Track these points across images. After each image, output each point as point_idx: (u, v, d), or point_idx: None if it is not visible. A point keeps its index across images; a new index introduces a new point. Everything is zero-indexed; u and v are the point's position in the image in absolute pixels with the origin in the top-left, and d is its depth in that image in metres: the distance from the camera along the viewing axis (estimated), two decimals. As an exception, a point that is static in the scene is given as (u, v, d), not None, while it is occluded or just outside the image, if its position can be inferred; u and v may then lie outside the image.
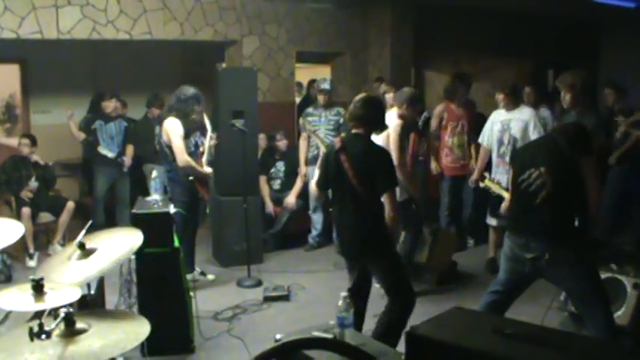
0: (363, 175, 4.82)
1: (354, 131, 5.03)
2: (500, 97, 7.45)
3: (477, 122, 8.65)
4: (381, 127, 5.21)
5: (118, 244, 4.16)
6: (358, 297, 5.07)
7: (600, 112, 6.61)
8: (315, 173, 8.52)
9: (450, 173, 8.55)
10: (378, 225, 4.90)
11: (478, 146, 8.12)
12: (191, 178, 6.94)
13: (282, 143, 9.10)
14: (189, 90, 7.06)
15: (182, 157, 6.81)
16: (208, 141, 7.26)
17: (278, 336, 3.45)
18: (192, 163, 6.89)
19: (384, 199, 4.86)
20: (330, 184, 5.13)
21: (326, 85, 8.66)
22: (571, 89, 6.13)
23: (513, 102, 7.40)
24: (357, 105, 5.02)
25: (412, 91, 6.84)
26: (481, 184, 5.97)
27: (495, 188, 5.72)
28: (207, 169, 7.12)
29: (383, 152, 5.05)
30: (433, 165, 8.61)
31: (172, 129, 6.85)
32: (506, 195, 5.30)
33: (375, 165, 4.85)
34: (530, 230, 4.70)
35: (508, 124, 7.37)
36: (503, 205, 5.28)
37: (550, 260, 4.58)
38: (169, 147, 6.87)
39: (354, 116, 5.01)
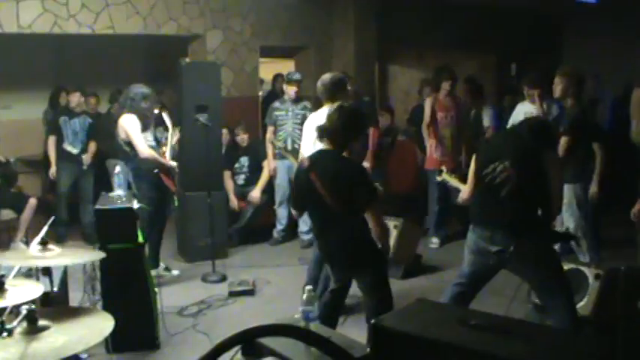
0: (336, 193, 4.56)
1: (322, 147, 4.77)
2: (535, 92, 7.49)
3: (465, 114, 8.73)
4: (349, 141, 4.76)
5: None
6: (339, 296, 5.07)
7: (584, 104, 6.80)
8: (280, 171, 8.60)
9: (438, 166, 8.35)
10: (362, 241, 4.72)
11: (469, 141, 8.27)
12: (156, 170, 6.92)
13: (240, 138, 9.07)
14: (138, 88, 7.03)
15: (144, 148, 6.79)
16: (171, 138, 7.25)
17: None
18: (154, 153, 6.87)
19: (367, 214, 4.63)
20: (305, 204, 4.87)
21: (297, 76, 8.66)
22: (566, 79, 6.47)
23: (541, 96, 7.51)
24: (328, 115, 4.79)
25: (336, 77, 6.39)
26: (438, 178, 5.96)
27: (453, 182, 5.72)
28: (172, 163, 7.10)
29: (354, 167, 4.79)
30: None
31: (128, 124, 6.82)
32: (464, 187, 5.30)
33: (349, 182, 4.58)
34: (494, 223, 4.73)
35: (532, 114, 7.43)
36: (461, 195, 5.26)
37: (514, 253, 4.62)
38: (128, 143, 6.84)
39: (321, 129, 4.73)
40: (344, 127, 4.67)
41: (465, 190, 5.19)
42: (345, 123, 4.68)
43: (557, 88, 6.60)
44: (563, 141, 6.41)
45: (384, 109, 10.24)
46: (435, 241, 8.61)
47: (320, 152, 4.78)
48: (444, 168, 6.01)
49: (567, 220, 6.66)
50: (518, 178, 4.61)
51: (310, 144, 5.91)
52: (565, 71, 6.63)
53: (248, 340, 2.45)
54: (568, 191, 6.49)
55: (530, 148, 4.69)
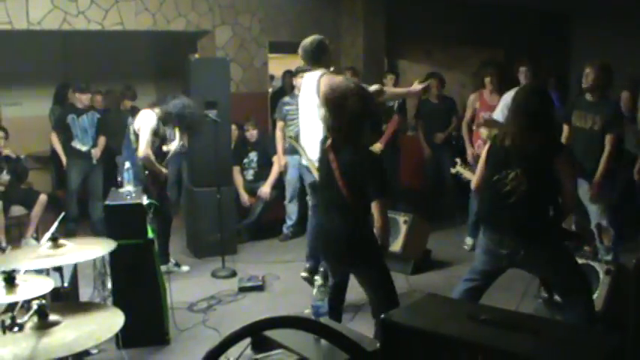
0: (350, 181, 4.57)
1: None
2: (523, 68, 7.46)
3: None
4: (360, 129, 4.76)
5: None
6: (337, 291, 5.06)
7: (618, 104, 6.74)
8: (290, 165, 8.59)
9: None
10: (365, 233, 4.68)
11: None
12: (147, 172, 6.94)
13: (249, 134, 9.07)
14: (176, 106, 7.04)
15: (145, 149, 6.85)
16: (178, 141, 7.29)
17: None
18: (152, 158, 6.90)
19: (373, 207, 4.60)
20: (319, 184, 4.91)
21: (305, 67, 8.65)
22: (597, 71, 6.39)
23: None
24: (331, 112, 4.69)
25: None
26: (452, 170, 5.92)
27: (468, 174, 5.68)
28: (163, 169, 7.18)
29: (371, 156, 4.77)
30: (470, 151, 8.30)
31: (146, 120, 6.85)
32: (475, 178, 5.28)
33: (365, 171, 4.58)
34: (503, 227, 4.70)
35: None
36: (472, 185, 5.24)
37: (526, 255, 4.61)
38: (137, 135, 6.88)
39: (329, 127, 4.73)
40: (352, 119, 4.59)
41: (473, 180, 5.18)
42: (352, 113, 4.59)
43: (588, 78, 6.47)
44: (610, 139, 6.41)
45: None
46: (469, 242, 8.39)
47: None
48: (458, 160, 5.95)
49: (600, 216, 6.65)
50: (528, 185, 4.59)
51: (310, 123, 6.02)
52: (598, 62, 6.52)
53: (259, 331, 2.44)
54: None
55: (542, 152, 4.66)
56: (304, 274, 6.66)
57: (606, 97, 6.59)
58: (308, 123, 6.08)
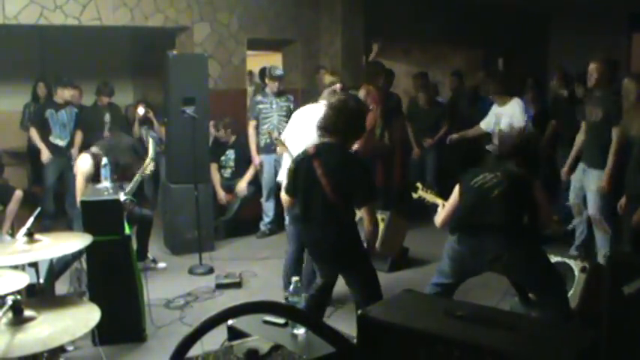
0: (338, 186, 4.57)
1: (326, 140, 4.73)
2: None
3: None
4: (356, 137, 4.90)
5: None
6: (324, 292, 5.05)
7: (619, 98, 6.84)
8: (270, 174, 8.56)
9: None
10: (351, 237, 4.72)
11: None
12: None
13: (222, 134, 9.00)
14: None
15: (77, 196, 6.55)
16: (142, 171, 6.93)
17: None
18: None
19: (363, 212, 4.65)
20: (299, 192, 4.82)
21: (280, 72, 8.66)
22: (601, 67, 6.54)
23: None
24: (329, 113, 4.73)
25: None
26: (414, 195, 5.88)
27: (430, 198, 5.66)
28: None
29: (359, 163, 4.80)
30: None
31: (79, 166, 6.69)
32: (441, 202, 5.32)
33: (353, 178, 4.62)
34: (484, 228, 4.72)
35: (500, 118, 7.55)
36: (436, 218, 5.27)
37: (508, 258, 4.63)
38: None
39: (324, 125, 4.73)
40: (346, 123, 4.70)
41: (440, 216, 5.20)
42: (349, 122, 4.71)
43: (593, 76, 6.60)
44: (616, 131, 6.46)
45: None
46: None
47: (326, 144, 4.74)
48: (419, 185, 5.92)
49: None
50: (508, 187, 4.65)
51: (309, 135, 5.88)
52: (600, 58, 6.67)
53: (237, 315, 2.44)
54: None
55: (520, 175, 4.75)
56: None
57: (610, 90, 6.68)
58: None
